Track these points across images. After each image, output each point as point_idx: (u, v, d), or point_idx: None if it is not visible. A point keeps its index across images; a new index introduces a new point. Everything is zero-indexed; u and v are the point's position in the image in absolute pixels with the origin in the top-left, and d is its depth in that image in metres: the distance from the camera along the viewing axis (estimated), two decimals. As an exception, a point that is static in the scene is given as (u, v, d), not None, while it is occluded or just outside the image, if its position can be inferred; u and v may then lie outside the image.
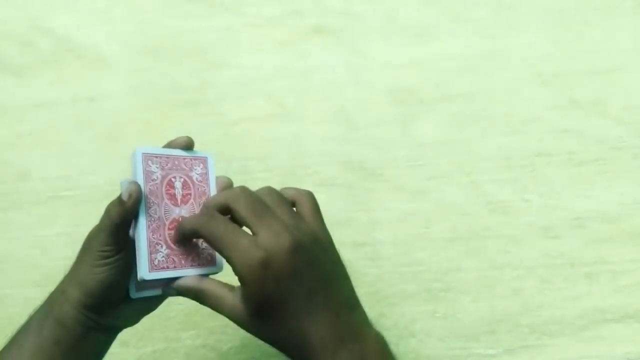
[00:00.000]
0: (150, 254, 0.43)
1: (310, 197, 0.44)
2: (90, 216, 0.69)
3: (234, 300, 0.40)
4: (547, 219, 0.62)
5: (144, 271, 0.42)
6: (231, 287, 0.41)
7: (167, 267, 0.44)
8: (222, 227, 0.40)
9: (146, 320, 0.48)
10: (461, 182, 0.64)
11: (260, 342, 0.58)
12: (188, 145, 0.47)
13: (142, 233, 0.43)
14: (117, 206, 0.42)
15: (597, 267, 0.60)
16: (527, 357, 0.58)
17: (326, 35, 0.71)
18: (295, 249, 0.39)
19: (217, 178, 0.48)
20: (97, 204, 0.69)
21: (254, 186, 0.54)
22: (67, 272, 0.47)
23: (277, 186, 0.44)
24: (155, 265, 0.43)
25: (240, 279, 0.39)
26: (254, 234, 0.39)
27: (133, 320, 0.48)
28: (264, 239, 0.38)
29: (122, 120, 0.72)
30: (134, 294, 0.46)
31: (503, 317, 0.60)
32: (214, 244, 0.40)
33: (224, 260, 0.45)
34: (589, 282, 0.59)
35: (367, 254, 0.63)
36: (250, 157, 0.69)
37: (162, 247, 0.44)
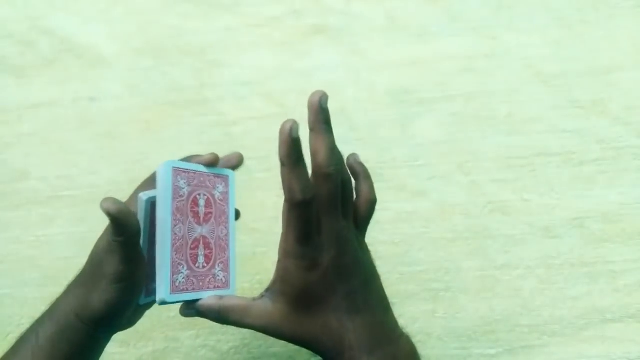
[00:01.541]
0: (172, 274, 0.42)
1: (373, 206, 0.45)
2: (90, 216, 0.69)
3: (263, 305, 0.41)
4: (547, 219, 0.62)
5: (165, 293, 0.41)
6: (254, 297, 0.42)
7: (187, 289, 0.43)
8: (308, 219, 0.39)
9: (146, 320, 0.48)
10: (461, 182, 0.64)
11: (261, 342, 0.58)
12: (213, 163, 0.46)
13: (166, 252, 0.42)
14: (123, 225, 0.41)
15: (597, 267, 0.60)
16: (527, 357, 0.58)
17: (326, 35, 0.71)
18: (346, 252, 0.40)
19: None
20: (97, 204, 0.69)
21: (254, 186, 0.54)
22: (73, 288, 0.45)
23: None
24: (177, 287, 0.42)
25: (285, 266, 0.40)
26: (317, 220, 0.40)
27: (136, 320, 0.48)
28: (324, 237, 0.39)
29: (122, 120, 0.72)
30: (143, 300, 0.45)
31: (503, 317, 0.60)
32: (289, 224, 0.39)
33: (236, 283, 0.46)
34: (589, 282, 0.59)
35: (367, 254, 0.63)
36: (250, 157, 0.68)
37: (183, 267, 0.43)
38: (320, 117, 0.41)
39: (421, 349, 0.42)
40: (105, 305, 0.43)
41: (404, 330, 0.43)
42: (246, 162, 0.68)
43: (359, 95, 0.68)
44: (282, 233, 0.41)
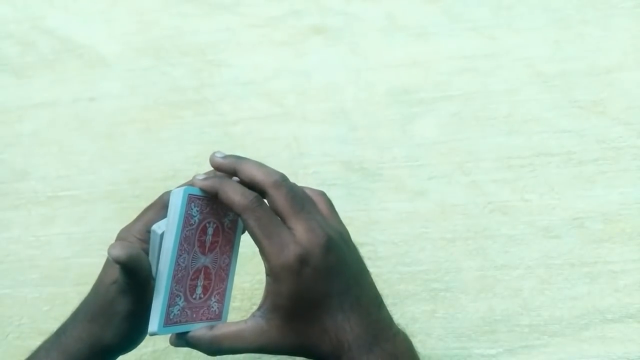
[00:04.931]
0: (168, 306, 0.41)
1: (325, 196, 0.45)
2: (90, 216, 0.69)
3: (257, 325, 0.40)
4: (547, 219, 0.62)
5: (157, 326, 0.40)
6: (245, 320, 0.41)
7: (180, 322, 0.42)
8: (267, 217, 0.39)
9: (146, 320, 0.48)
10: (461, 182, 0.64)
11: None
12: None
13: (165, 283, 0.40)
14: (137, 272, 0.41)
15: (597, 267, 0.60)
16: (527, 357, 0.58)
17: (326, 35, 0.71)
18: (330, 246, 0.39)
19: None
20: (97, 204, 0.69)
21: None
22: (82, 322, 0.45)
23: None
24: (170, 319, 0.41)
25: (274, 276, 0.39)
26: (288, 227, 0.39)
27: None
28: (301, 235, 0.39)
29: (122, 120, 0.72)
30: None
31: (503, 317, 0.60)
32: (254, 232, 0.39)
33: (229, 313, 0.45)
34: (589, 282, 0.59)
35: (367, 254, 0.63)
36: (250, 157, 0.69)
37: (180, 299, 0.42)
38: (231, 158, 0.43)
39: (421, 349, 0.42)
40: (119, 340, 0.44)
41: (400, 327, 0.43)
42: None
43: (359, 95, 0.68)
44: (259, 251, 0.40)
